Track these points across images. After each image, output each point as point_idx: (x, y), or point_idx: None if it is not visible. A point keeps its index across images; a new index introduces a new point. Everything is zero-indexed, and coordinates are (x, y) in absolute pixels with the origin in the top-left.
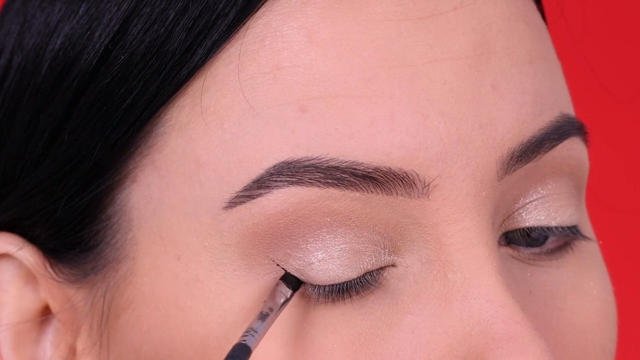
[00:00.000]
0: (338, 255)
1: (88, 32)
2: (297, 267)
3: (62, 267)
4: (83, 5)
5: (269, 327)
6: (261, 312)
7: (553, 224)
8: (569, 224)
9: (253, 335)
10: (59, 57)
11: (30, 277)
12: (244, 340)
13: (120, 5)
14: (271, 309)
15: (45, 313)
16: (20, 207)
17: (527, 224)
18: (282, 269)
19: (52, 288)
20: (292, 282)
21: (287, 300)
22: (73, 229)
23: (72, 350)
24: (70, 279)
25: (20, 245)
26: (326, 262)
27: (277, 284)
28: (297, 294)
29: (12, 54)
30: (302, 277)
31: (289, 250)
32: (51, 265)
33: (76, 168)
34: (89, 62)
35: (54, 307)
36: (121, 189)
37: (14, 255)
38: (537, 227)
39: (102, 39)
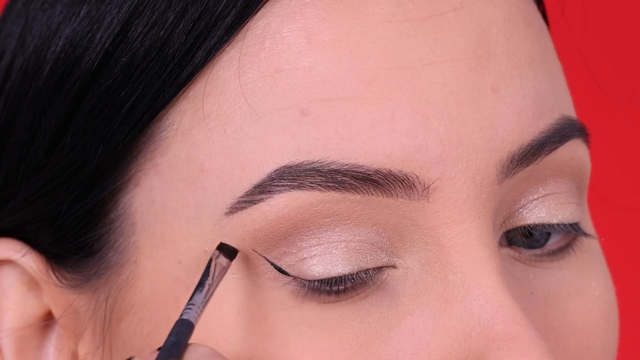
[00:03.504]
0: (331, 252)
1: (89, 34)
2: (290, 263)
3: (64, 273)
4: (84, 7)
5: (209, 299)
6: (200, 285)
7: (554, 221)
8: (570, 221)
9: (195, 311)
10: (60, 59)
11: (32, 283)
12: (185, 315)
13: (121, 7)
14: (210, 281)
15: (48, 318)
16: (22, 212)
17: (528, 221)
18: (273, 265)
19: (54, 293)
20: (228, 251)
21: (224, 271)
22: (76, 233)
23: (74, 355)
24: (73, 284)
25: (23, 251)
26: (319, 257)
27: (213, 255)
28: (289, 292)
29: (13, 56)
30: (293, 273)
31: (284, 249)
32: (54, 271)
33: (78, 171)
34: (90, 65)
35: (56, 312)
36: (124, 193)
37: (17, 262)
38: (538, 224)
39: (103, 41)
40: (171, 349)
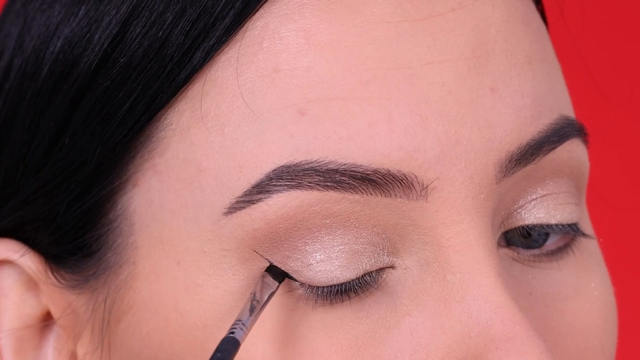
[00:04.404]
0: (337, 257)
1: (87, 35)
2: (296, 268)
3: (63, 273)
4: (83, 7)
5: (256, 319)
6: (248, 305)
7: (553, 221)
8: (569, 222)
9: (241, 329)
10: (58, 60)
11: (31, 283)
12: (232, 333)
13: (119, 8)
14: (258, 302)
15: (47, 319)
16: (21, 212)
17: (526, 222)
18: (273, 265)
19: (53, 294)
20: (278, 273)
21: (273, 293)
22: (75, 233)
23: (73, 356)
24: (72, 285)
25: (22, 251)
26: (325, 263)
27: (262, 276)
28: (296, 297)
29: (12, 57)
30: (300, 279)
31: (287, 253)
32: (52, 271)
33: (77, 172)
34: (88, 65)
35: (55, 312)
36: (122, 193)
37: (16, 262)
38: (537, 224)
39: (102, 42)
40: None
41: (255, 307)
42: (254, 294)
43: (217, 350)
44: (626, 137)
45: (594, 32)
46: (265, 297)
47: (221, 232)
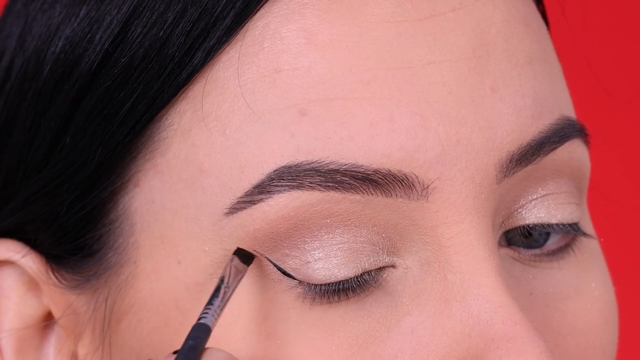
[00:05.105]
0: (335, 254)
1: (89, 35)
2: (295, 266)
3: (64, 273)
4: (84, 7)
5: (226, 304)
6: (217, 290)
7: (554, 221)
8: (569, 221)
9: (213, 315)
10: (60, 60)
11: (32, 284)
12: (203, 319)
13: (120, 7)
14: (228, 287)
15: (48, 319)
16: (22, 212)
17: (527, 221)
18: (278, 268)
19: (54, 294)
20: (246, 256)
21: (242, 276)
22: (76, 234)
23: (74, 356)
24: (73, 285)
25: (23, 252)
26: (323, 261)
27: (231, 260)
28: (294, 295)
29: (13, 57)
30: (298, 277)
31: (286, 251)
32: (53, 271)
33: (78, 172)
34: (89, 65)
35: (56, 313)
36: (124, 193)
37: (17, 262)
38: (537, 224)
39: (103, 42)
40: (188, 353)
41: (226, 292)
42: (223, 279)
43: (189, 337)
44: (627, 137)
45: (595, 32)
46: (235, 282)
47: (222, 232)
